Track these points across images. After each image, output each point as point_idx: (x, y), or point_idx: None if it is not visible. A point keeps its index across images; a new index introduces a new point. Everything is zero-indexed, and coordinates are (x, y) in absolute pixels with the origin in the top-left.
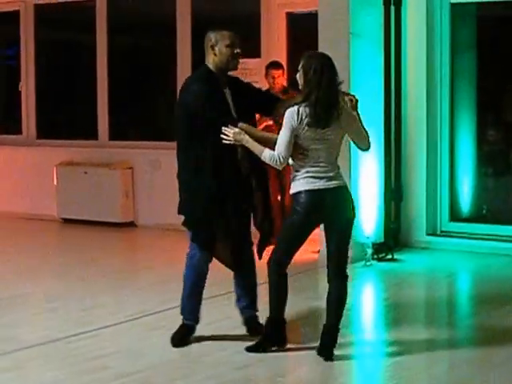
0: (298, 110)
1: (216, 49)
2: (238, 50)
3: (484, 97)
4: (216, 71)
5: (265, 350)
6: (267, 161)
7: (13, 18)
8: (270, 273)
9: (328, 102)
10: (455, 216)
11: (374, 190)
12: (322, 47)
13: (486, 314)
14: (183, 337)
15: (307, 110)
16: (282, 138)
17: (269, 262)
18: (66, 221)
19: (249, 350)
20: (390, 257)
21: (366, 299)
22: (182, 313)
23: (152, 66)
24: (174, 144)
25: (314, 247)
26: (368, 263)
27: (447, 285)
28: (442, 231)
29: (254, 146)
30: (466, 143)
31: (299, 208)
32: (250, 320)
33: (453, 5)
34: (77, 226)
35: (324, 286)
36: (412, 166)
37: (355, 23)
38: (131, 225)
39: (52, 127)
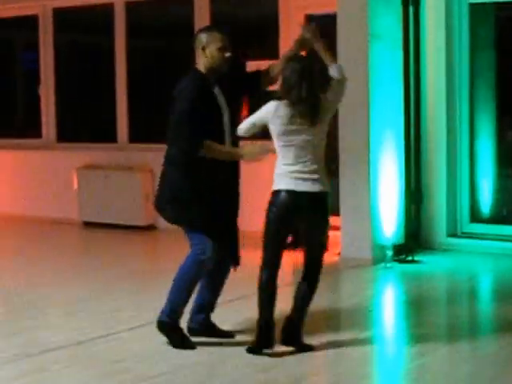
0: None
1: (207, 51)
2: (230, 54)
3: (504, 97)
4: (207, 73)
5: (260, 353)
6: None
7: (32, 21)
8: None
9: (311, 102)
10: (476, 217)
11: (393, 192)
12: (341, 49)
13: (508, 316)
14: (184, 337)
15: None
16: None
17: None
18: (87, 224)
19: (249, 351)
20: (410, 258)
21: (387, 301)
22: (172, 313)
23: (171, 68)
24: None
25: (336, 249)
26: (388, 265)
27: (468, 286)
28: (462, 233)
29: None
30: (486, 144)
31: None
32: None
33: (471, 5)
34: (98, 230)
35: (346, 287)
36: (432, 168)
37: (374, 24)
38: (152, 228)
39: (72, 130)
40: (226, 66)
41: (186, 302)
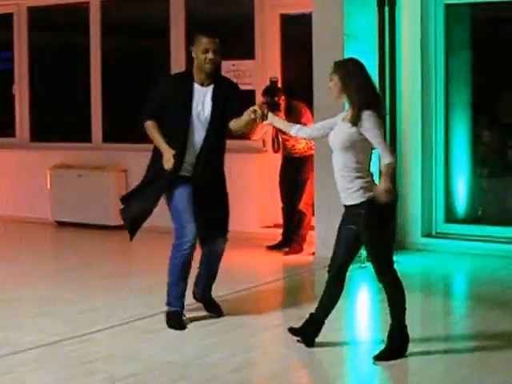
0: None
1: (195, 52)
2: (211, 57)
3: (478, 97)
4: (195, 71)
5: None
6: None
7: (6, 20)
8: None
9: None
10: (450, 217)
11: None
12: (317, 49)
13: (482, 316)
14: (179, 321)
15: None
16: (384, 140)
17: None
18: (60, 224)
19: (377, 358)
20: None
21: (361, 301)
22: (169, 300)
23: (146, 67)
24: None
25: (310, 249)
26: (363, 265)
27: (442, 286)
28: (437, 233)
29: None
30: (461, 144)
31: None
32: (210, 301)
33: (447, 5)
34: (70, 229)
35: (320, 287)
36: (407, 168)
37: (350, 24)
38: (125, 228)
39: (46, 130)
40: (208, 67)
41: (179, 287)
